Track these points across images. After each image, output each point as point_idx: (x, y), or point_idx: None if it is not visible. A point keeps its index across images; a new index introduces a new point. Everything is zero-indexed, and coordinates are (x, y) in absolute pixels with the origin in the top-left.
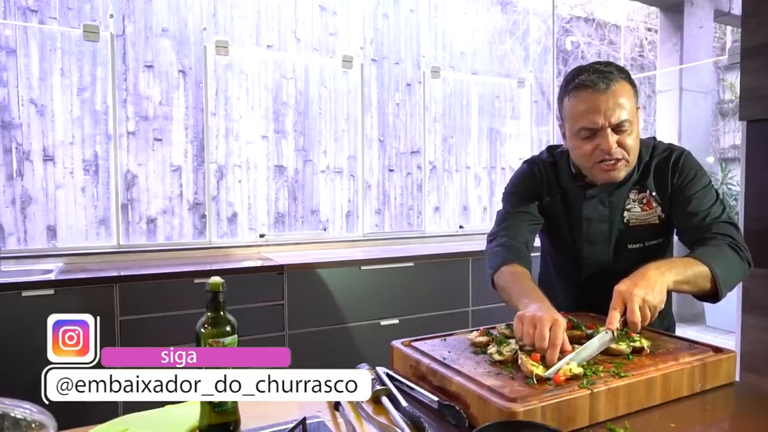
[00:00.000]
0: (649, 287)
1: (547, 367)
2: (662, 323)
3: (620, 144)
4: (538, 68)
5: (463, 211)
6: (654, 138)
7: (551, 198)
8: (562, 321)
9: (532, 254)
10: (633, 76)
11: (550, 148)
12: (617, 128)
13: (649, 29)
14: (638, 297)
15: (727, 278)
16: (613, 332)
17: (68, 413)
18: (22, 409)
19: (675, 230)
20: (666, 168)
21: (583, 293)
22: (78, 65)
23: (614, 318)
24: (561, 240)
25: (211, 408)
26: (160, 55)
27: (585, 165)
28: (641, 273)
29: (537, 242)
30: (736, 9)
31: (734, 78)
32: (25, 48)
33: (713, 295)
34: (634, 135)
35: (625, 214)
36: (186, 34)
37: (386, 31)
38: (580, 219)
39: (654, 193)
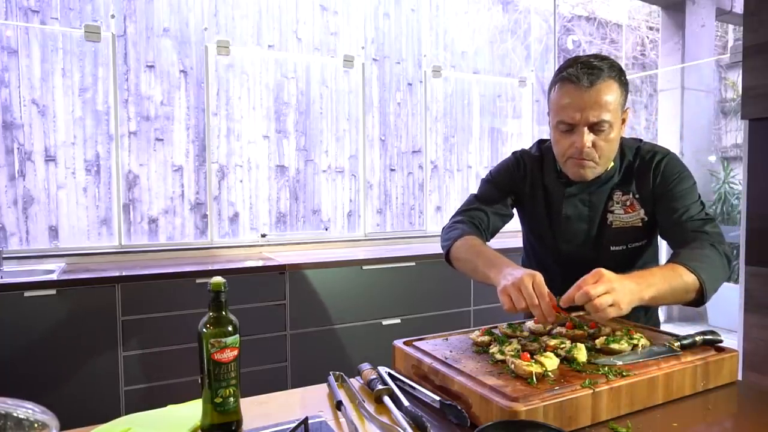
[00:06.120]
0: (625, 293)
1: (538, 362)
2: (648, 321)
3: (594, 144)
4: (540, 67)
5: None
6: (640, 140)
7: (533, 194)
8: (539, 274)
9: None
10: (634, 75)
11: (540, 143)
12: (594, 128)
13: (651, 28)
14: (609, 286)
15: (712, 284)
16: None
17: (71, 413)
18: (24, 409)
19: (658, 232)
20: (648, 170)
21: (565, 289)
22: (79, 65)
23: (571, 296)
24: (542, 236)
25: (213, 408)
26: (162, 55)
27: (560, 158)
28: (626, 278)
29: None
30: (738, 7)
31: (736, 76)
32: (27, 48)
33: (696, 301)
34: (612, 136)
35: (608, 216)
36: (187, 34)
37: (387, 30)
38: (560, 217)
39: (637, 196)
